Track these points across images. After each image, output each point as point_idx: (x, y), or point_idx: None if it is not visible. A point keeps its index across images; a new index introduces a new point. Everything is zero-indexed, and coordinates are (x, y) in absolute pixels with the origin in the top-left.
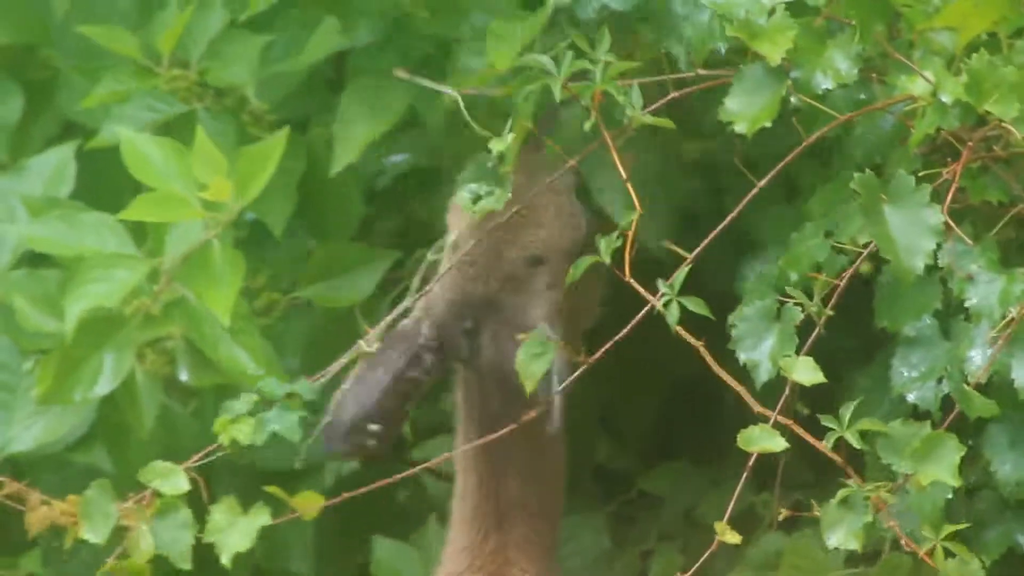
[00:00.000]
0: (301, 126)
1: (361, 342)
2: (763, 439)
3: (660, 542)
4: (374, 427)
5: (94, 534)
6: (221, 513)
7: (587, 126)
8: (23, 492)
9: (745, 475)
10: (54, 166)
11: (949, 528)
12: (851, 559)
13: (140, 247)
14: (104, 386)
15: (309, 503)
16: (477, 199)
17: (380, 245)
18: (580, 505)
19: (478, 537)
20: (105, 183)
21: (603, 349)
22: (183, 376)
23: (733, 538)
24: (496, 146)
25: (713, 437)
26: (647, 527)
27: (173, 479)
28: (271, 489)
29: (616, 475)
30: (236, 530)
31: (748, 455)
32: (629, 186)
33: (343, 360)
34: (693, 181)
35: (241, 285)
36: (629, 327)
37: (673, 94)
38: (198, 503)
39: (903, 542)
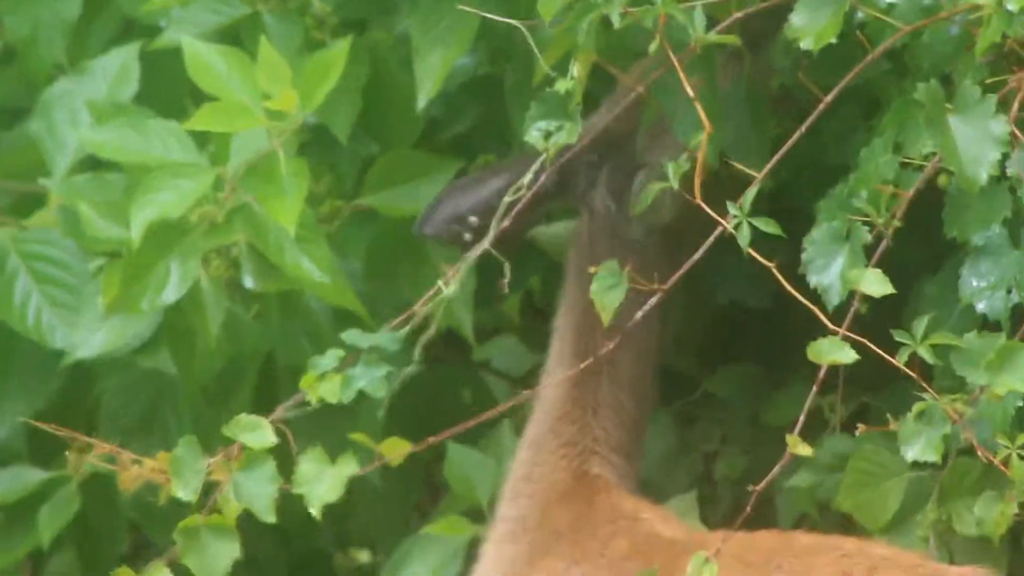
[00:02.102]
0: (361, 26)
1: (440, 282)
2: (832, 351)
3: (724, 444)
4: (474, 219)
5: (185, 491)
6: (309, 464)
7: (652, 48)
8: (114, 451)
9: (814, 387)
10: (117, 68)
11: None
12: (917, 463)
13: (204, 153)
14: (171, 294)
15: (395, 448)
16: (548, 135)
17: (444, 150)
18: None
19: (566, 421)
20: (166, 84)
21: (677, 274)
22: (248, 283)
23: (804, 450)
24: (561, 86)
25: (777, 338)
26: (711, 429)
27: (260, 432)
28: (357, 437)
29: (679, 376)
30: (324, 481)
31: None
32: (698, 106)
33: (424, 301)
34: (784, 111)
35: (306, 194)
36: (701, 250)
37: (737, 14)
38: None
39: (979, 452)
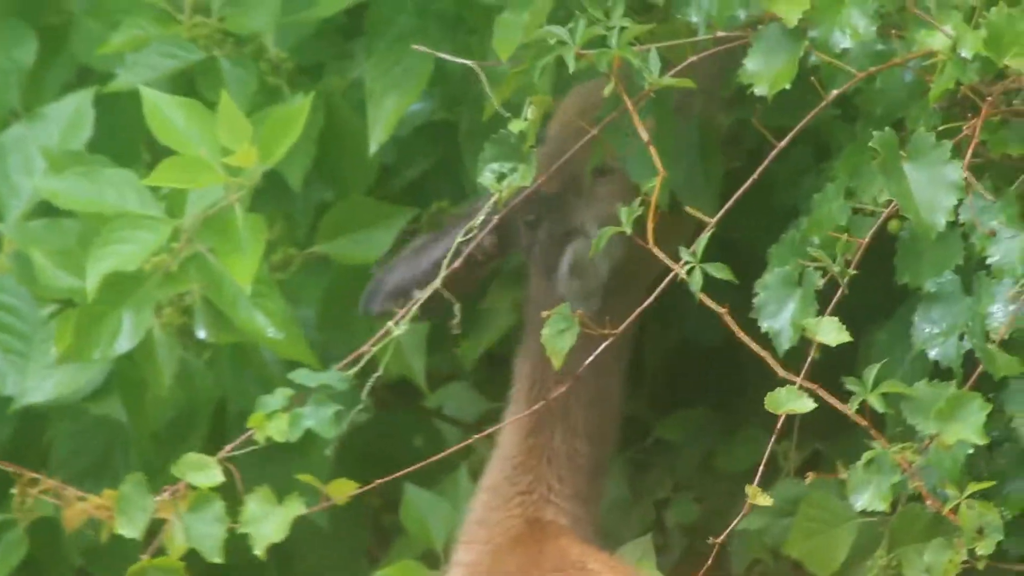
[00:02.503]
0: (316, 72)
1: (391, 324)
2: (790, 400)
3: (676, 491)
4: (417, 292)
5: (130, 528)
6: (256, 504)
7: (606, 92)
8: (59, 488)
9: (772, 436)
10: (71, 113)
11: (973, 485)
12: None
13: (158, 202)
14: (123, 344)
15: (341, 489)
16: (501, 177)
17: (398, 196)
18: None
19: (521, 470)
20: (120, 129)
21: (629, 319)
22: (201, 334)
23: (764, 500)
24: (515, 127)
25: (729, 383)
26: (663, 475)
27: (207, 471)
28: (304, 478)
29: (631, 422)
30: (271, 521)
31: (762, 402)
32: (652, 149)
33: (372, 342)
34: (733, 153)
35: (263, 250)
36: (654, 295)
37: (691, 58)
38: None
39: (928, 501)
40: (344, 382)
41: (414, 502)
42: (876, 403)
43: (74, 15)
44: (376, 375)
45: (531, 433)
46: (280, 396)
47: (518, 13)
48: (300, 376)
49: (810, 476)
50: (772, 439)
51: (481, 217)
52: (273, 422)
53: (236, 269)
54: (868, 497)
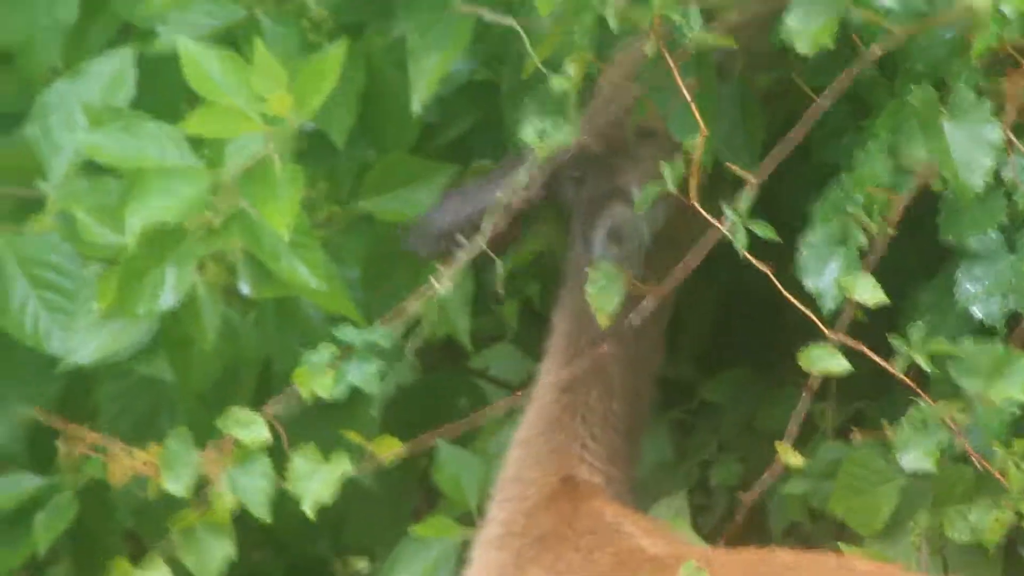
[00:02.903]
0: (358, 30)
1: (432, 279)
2: (824, 359)
3: (720, 451)
4: (461, 237)
5: (176, 484)
6: (302, 461)
7: (648, 49)
8: (105, 442)
9: (804, 394)
10: (113, 71)
11: (1020, 443)
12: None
13: (200, 157)
14: (167, 300)
15: (387, 446)
16: (543, 134)
17: (441, 155)
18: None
19: (556, 426)
20: (162, 88)
21: (672, 281)
22: (244, 289)
23: (796, 460)
24: (557, 84)
25: (772, 343)
26: (707, 436)
27: (252, 427)
28: (351, 435)
29: (675, 384)
30: (318, 478)
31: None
32: (694, 108)
33: (415, 300)
34: (774, 111)
35: (301, 199)
36: (699, 254)
37: (734, 16)
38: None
39: (974, 459)
40: (388, 338)
41: (447, 460)
42: (922, 362)
43: None
44: (420, 333)
45: (567, 390)
46: (325, 352)
47: None
48: (344, 333)
49: (856, 435)
50: (804, 397)
51: (525, 171)
52: (317, 378)
53: (275, 219)
54: (914, 456)
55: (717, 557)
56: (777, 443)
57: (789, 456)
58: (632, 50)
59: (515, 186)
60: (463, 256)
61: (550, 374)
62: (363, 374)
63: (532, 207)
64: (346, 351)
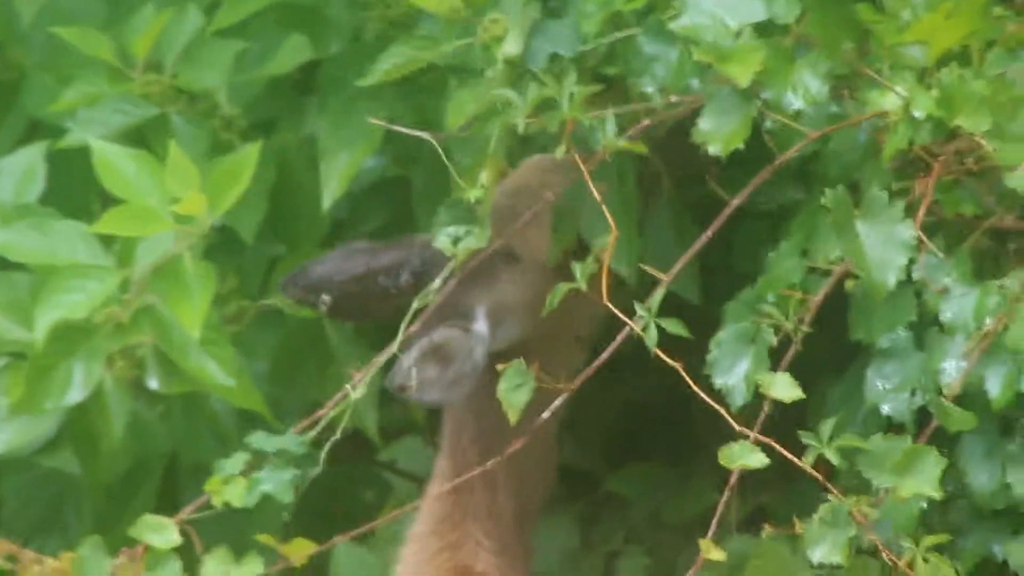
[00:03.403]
0: (269, 128)
1: (348, 387)
2: (743, 455)
3: (627, 543)
4: (327, 298)
5: None
6: (214, 564)
7: (558, 153)
8: (15, 552)
9: (725, 489)
10: (23, 168)
11: (930, 539)
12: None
13: (110, 254)
14: (74, 395)
15: (299, 549)
16: (456, 240)
17: None
18: (546, 505)
19: (447, 524)
20: (72, 183)
21: (583, 375)
22: (152, 384)
23: (718, 555)
24: (472, 193)
25: (679, 436)
26: (613, 528)
27: (165, 533)
28: (263, 538)
29: (582, 475)
30: None
31: (714, 455)
32: (604, 208)
33: (331, 405)
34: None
35: (212, 297)
36: (608, 351)
37: (645, 122)
38: (186, 553)
39: (884, 553)
40: (302, 446)
41: (343, 559)
42: (832, 456)
43: (26, 70)
44: (334, 438)
45: (454, 488)
46: (237, 460)
47: (473, 87)
48: (257, 440)
49: (767, 528)
50: (721, 493)
51: (416, 260)
52: (230, 486)
53: (185, 316)
54: (824, 550)
55: None
56: (700, 540)
57: (712, 552)
58: (517, 171)
59: (392, 268)
60: (377, 361)
61: (439, 471)
62: (277, 483)
63: (400, 291)
64: (258, 458)
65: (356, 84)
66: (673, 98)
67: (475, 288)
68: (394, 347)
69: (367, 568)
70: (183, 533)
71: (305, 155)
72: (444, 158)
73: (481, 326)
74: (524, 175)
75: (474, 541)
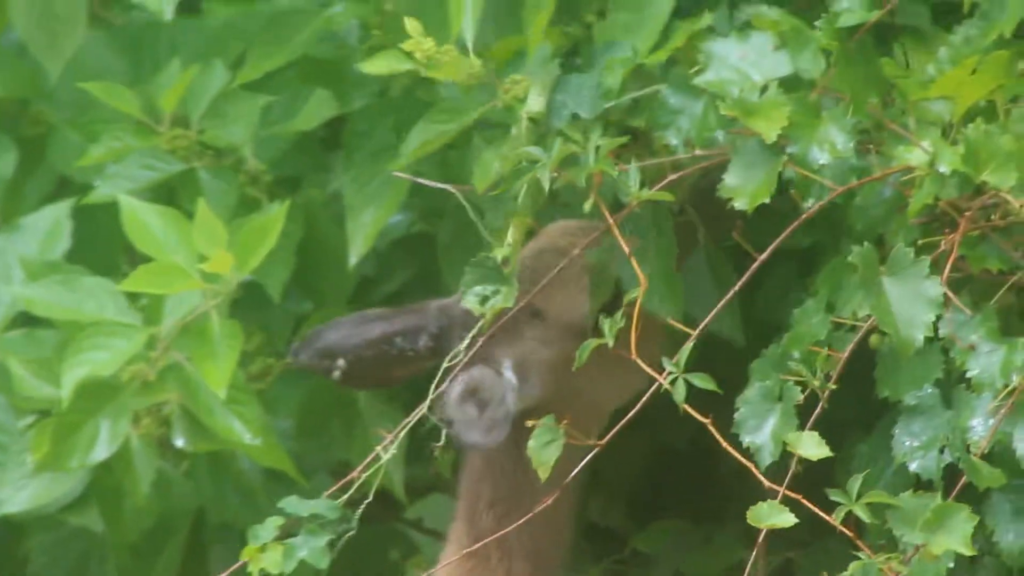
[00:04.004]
0: (295, 184)
1: (378, 449)
2: (772, 515)
3: None
4: (342, 362)
5: None
6: None
7: (586, 207)
8: None
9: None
10: (49, 224)
11: None
12: None
13: (136, 311)
14: (100, 452)
15: None
16: (484, 300)
17: (378, 307)
18: (571, 563)
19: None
20: (99, 240)
21: (614, 430)
22: (178, 442)
23: None
24: (499, 252)
25: (705, 492)
26: None
27: None
28: None
29: (607, 533)
30: None
31: (741, 509)
32: (633, 261)
33: (361, 467)
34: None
35: (238, 356)
36: (638, 406)
37: (671, 176)
38: None
39: None
40: (335, 510)
41: None
42: (862, 513)
43: (53, 126)
44: (366, 502)
45: (469, 555)
46: (270, 526)
47: (497, 146)
48: (290, 505)
49: None
50: (748, 548)
51: (434, 324)
52: (266, 553)
53: (211, 375)
54: None
55: None
56: None
57: None
58: (546, 232)
59: (410, 332)
60: (408, 422)
61: (454, 536)
62: (312, 549)
63: (418, 355)
64: (292, 522)
65: (381, 138)
66: (698, 151)
67: (501, 343)
68: (424, 408)
69: None
70: None
71: (331, 211)
72: (471, 214)
73: (510, 375)
74: (549, 236)
75: None
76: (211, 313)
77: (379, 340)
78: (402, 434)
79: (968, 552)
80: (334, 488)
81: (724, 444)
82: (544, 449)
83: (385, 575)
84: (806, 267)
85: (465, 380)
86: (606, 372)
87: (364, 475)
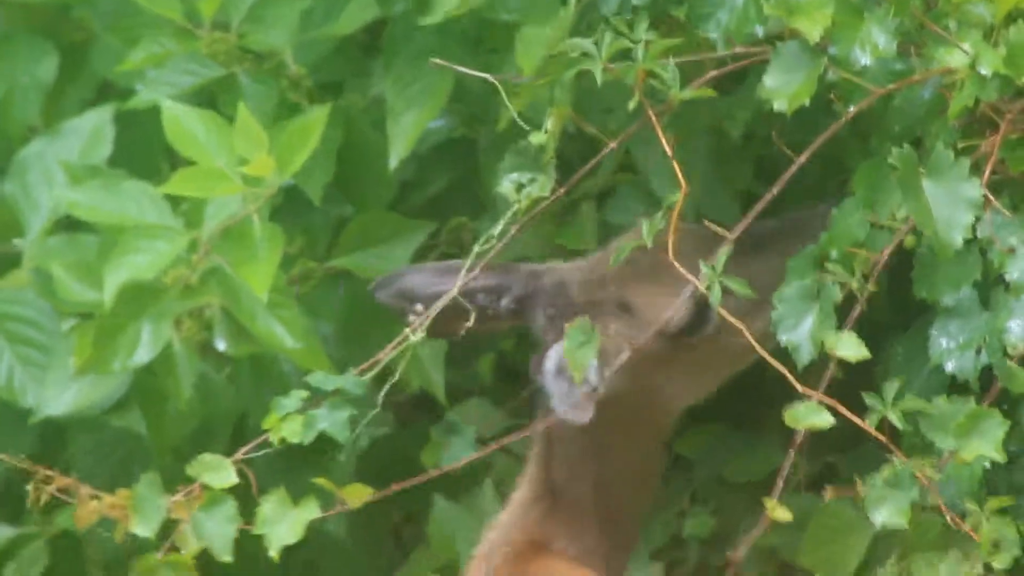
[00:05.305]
0: (336, 89)
1: (408, 331)
2: (809, 416)
3: (693, 504)
4: (419, 307)
5: (144, 527)
6: (271, 506)
7: (631, 105)
8: (73, 486)
9: (789, 449)
10: (92, 129)
11: (993, 501)
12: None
13: (178, 215)
14: (142, 355)
15: (357, 494)
16: (520, 187)
17: (417, 212)
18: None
19: (533, 503)
20: (140, 144)
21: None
22: (220, 345)
23: (783, 515)
24: (535, 139)
25: (745, 397)
26: (680, 489)
27: (221, 472)
28: (320, 481)
29: None
30: (285, 523)
31: (782, 418)
32: (675, 163)
33: (390, 348)
34: (747, 166)
35: (279, 260)
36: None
37: (712, 73)
38: (243, 494)
39: (948, 516)
40: (360, 386)
41: (442, 515)
42: (895, 419)
43: (95, 32)
44: (392, 381)
45: (536, 497)
46: (295, 398)
47: (540, 27)
48: (316, 379)
49: (828, 491)
50: (789, 452)
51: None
52: (287, 423)
53: (253, 279)
54: (887, 512)
55: None
56: (765, 499)
57: (777, 511)
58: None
59: (493, 289)
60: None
61: (529, 475)
62: (334, 420)
63: (497, 314)
64: (318, 398)
65: (421, 37)
66: (738, 49)
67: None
68: (453, 292)
69: (465, 525)
70: (241, 475)
71: (372, 116)
72: (509, 106)
73: (594, 361)
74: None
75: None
76: (252, 217)
77: (461, 292)
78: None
79: (1000, 458)
80: (363, 367)
81: (759, 350)
82: (580, 350)
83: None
84: (831, 166)
85: (558, 352)
86: (684, 372)
87: (392, 355)
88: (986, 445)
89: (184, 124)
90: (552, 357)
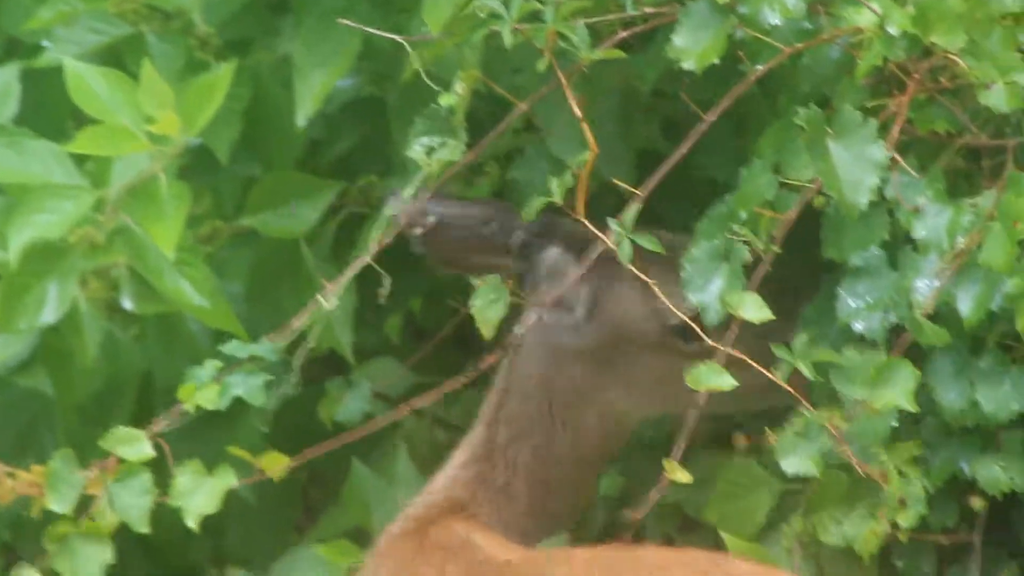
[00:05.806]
0: (245, 48)
1: (319, 296)
2: (712, 377)
3: None
4: (431, 219)
5: (60, 504)
6: (186, 476)
7: (541, 66)
8: None
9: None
10: None
11: (901, 447)
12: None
13: (84, 175)
14: (48, 315)
15: (274, 462)
16: (430, 151)
17: (326, 172)
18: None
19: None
20: (47, 103)
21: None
22: (127, 304)
23: (684, 476)
24: (445, 101)
25: None
26: None
27: (136, 444)
28: (235, 451)
29: None
30: (202, 493)
31: None
32: (584, 125)
33: (301, 315)
34: (653, 125)
35: (186, 218)
36: (583, 271)
37: (621, 33)
38: (156, 461)
39: (856, 465)
40: (274, 352)
41: (358, 479)
42: (806, 370)
43: None
44: (305, 347)
45: (477, 459)
46: (209, 367)
47: None
48: (230, 347)
49: (739, 439)
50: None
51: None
52: (202, 391)
53: (160, 237)
54: (796, 460)
55: (578, 555)
56: (664, 460)
57: (676, 472)
58: None
59: (495, 232)
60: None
61: (473, 436)
62: (248, 386)
63: (506, 248)
64: (231, 366)
65: (331, 1)
66: (648, 9)
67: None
68: (366, 260)
69: (380, 491)
70: (156, 447)
71: (280, 74)
72: (413, 59)
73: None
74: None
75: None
76: (159, 175)
77: (476, 216)
78: (345, 288)
79: (911, 408)
80: (275, 333)
81: (669, 306)
82: (488, 308)
83: (336, 436)
84: (739, 124)
85: (554, 254)
86: (652, 379)
87: (304, 322)
88: (897, 395)
89: (88, 82)
90: (551, 249)
